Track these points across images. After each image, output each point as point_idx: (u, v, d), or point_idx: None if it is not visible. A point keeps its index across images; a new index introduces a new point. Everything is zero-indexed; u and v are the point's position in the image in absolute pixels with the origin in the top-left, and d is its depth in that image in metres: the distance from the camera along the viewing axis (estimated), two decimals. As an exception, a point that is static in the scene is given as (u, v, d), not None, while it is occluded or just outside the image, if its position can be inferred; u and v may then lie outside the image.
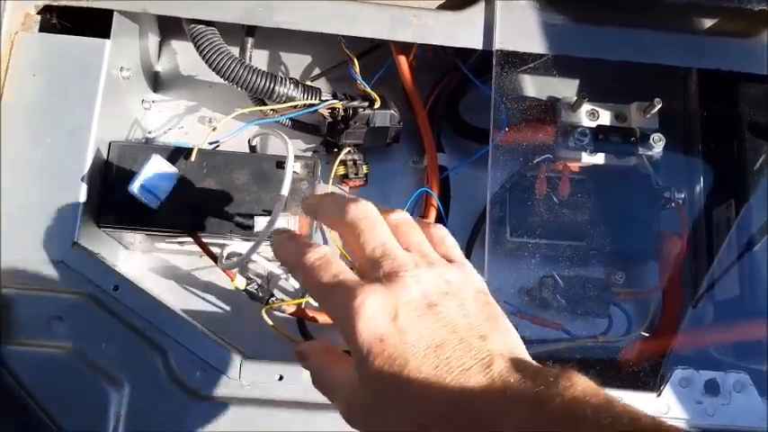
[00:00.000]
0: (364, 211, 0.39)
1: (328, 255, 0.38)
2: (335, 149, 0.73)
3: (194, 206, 0.60)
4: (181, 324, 0.56)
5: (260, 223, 0.60)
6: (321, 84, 0.76)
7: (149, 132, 0.73)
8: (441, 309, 0.35)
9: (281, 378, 0.55)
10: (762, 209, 0.65)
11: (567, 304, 0.69)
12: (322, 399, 0.39)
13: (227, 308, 0.69)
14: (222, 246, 0.65)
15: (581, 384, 0.31)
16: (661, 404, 0.58)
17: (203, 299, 0.69)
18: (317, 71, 0.78)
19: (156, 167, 0.56)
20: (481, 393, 0.32)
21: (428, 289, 0.36)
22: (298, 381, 0.56)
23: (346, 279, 0.36)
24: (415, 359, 0.33)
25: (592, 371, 0.62)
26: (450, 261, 0.40)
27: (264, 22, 0.63)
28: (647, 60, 0.67)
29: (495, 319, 0.37)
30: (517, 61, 0.67)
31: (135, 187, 0.55)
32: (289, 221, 0.61)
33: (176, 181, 0.57)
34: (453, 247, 0.41)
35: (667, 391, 0.57)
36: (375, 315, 0.34)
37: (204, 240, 0.62)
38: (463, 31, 0.65)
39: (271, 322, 0.64)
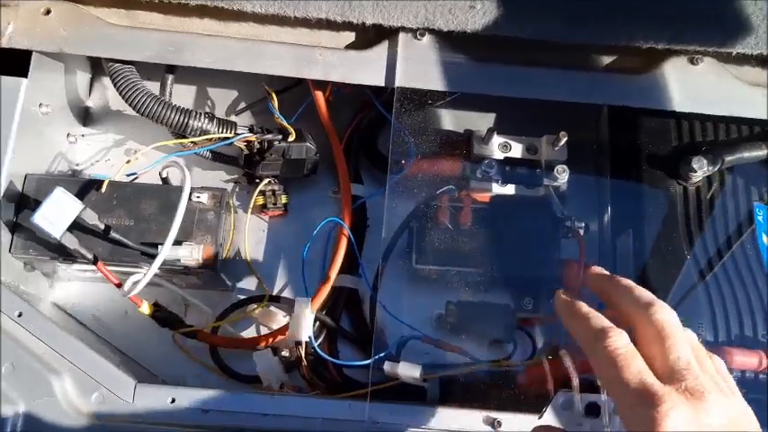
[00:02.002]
0: (674, 317, 0.40)
1: (630, 344, 0.40)
2: (257, 180, 0.76)
3: (101, 236, 0.63)
4: (78, 348, 0.59)
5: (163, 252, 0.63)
6: (246, 118, 0.80)
7: (76, 165, 0.76)
8: None
9: (173, 401, 0.58)
10: (643, 239, 0.68)
11: (475, 329, 0.72)
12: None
13: (144, 333, 0.71)
14: (133, 274, 0.68)
15: None
16: (540, 426, 0.59)
17: (123, 324, 0.72)
18: (242, 105, 0.81)
19: (59, 200, 0.59)
20: None
21: (727, 420, 0.36)
22: (189, 403, 0.58)
23: (651, 381, 0.38)
24: None
25: (493, 394, 0.65)
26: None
27: (175, 61, 0.67)
28: (547, 97, 0.70)
29: None
30: (424, 98, 0.70)
31: (35, 218, 0.58)
32: (193, 251, 0.64)
33: (78, 213, 0.60)
34: (731, 380, 0.41)
35: (548, 413, 0.59)
36: (676, 429, 0.35)
37: (116, 269, 0.64)
38: (366, 69, 0.68)
39: (179, 346, 0.67)
